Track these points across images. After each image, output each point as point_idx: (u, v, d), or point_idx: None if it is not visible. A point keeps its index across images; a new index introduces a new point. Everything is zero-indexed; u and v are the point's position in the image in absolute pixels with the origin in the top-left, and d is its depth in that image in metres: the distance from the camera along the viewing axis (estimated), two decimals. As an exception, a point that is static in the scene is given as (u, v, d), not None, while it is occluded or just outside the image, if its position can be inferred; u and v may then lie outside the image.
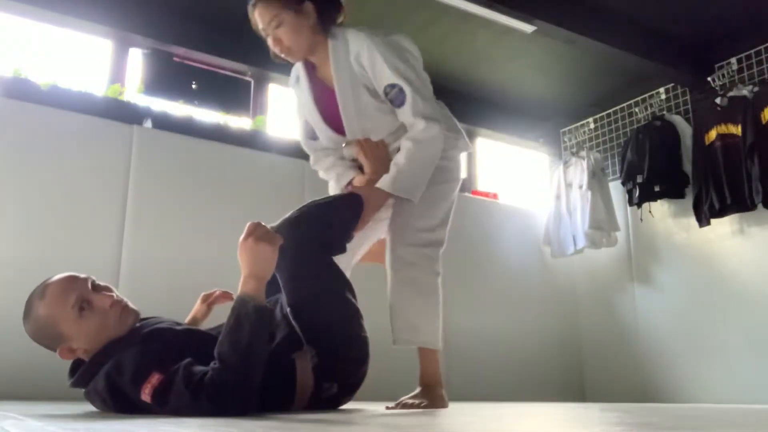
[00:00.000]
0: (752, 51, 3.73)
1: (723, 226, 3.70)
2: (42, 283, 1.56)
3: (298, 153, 3.59)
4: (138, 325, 1.60)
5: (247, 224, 1.46)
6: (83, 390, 1.57)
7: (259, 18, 1.94)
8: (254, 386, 1.38)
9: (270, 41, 1.97)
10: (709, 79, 3.85)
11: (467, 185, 4.37)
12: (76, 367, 1.60)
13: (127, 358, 1.45)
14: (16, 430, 0.91)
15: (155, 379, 1.38)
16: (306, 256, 1.67)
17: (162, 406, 1.37)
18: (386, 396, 2.19)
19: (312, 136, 2.18)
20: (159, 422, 1.12)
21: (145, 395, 1.38)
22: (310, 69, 2.09)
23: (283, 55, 1.99)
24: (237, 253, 1.45)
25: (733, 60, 3.79)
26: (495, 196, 4.40)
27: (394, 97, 1.91)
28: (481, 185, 4.54)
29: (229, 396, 1.33)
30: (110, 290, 1.60)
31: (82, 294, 1.52)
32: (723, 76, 3.81)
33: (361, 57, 1.92)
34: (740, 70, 3.77)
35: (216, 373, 1.35)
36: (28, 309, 1.54)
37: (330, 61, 1.97)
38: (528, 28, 3.42)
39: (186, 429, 0.98)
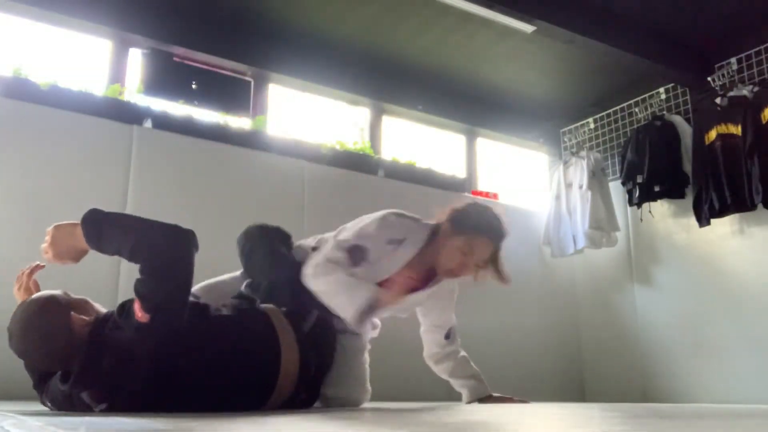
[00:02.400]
0: (752, 51, 3.73)
1: (723, 226, 3.70)
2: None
3: (298, 153, 3.60)
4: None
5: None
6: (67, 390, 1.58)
7: None
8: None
9: None
10: (709, 79, 3.85)
11: (467, 185, 4.37)
12: (67, 375, 1.60)
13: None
14: (16, 430, 0.91)
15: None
16: None
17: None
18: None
19: None
20: (158, 421, 1.12)
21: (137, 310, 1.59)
22: None
23: None
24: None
25: (733, 60, 3.78)
26: (495, 196, 4.40)
27: None
28: (481, 185, 4.54)
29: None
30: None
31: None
32: (723, 76, 3.81)
33: None
34: (740, 70, 3.77)
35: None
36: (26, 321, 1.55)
37: None
38: (528, 28, 3.42)
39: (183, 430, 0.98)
